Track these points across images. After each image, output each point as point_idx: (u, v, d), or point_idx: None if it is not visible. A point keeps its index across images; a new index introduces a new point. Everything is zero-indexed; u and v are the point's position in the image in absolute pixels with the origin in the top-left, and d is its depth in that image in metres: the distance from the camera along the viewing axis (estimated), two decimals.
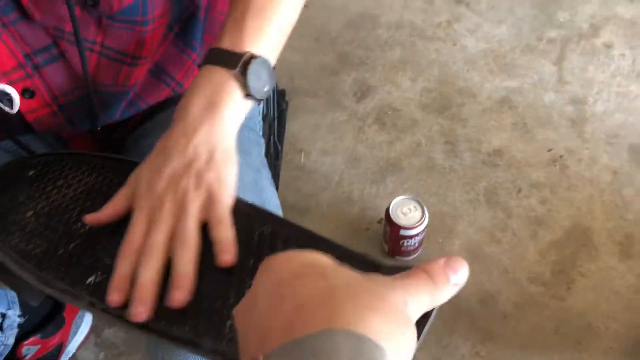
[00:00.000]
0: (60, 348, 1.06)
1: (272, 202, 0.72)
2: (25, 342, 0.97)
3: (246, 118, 0.82)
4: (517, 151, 1.34)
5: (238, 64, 0.54)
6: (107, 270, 0.52)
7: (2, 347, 0.94)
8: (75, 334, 1.10)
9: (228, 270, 0.49)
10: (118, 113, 0.73)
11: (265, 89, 0.56)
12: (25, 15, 0.58)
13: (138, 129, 0.80)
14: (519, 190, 1.28)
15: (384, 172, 1.34)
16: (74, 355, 1.13)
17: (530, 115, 1.39)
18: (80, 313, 1.12)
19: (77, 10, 0.60)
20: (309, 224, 1.24)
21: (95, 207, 0.58)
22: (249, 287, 0.36)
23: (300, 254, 0.32)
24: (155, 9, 0.65)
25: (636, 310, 1.12)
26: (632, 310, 1.12)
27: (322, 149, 1.39)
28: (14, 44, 0.60)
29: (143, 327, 0.47)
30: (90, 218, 0.53)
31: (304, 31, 1.56)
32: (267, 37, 0.57)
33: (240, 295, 0.48)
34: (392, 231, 1.12)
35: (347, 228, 1.24)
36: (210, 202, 0.49)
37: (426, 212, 1.11)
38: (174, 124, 0.53)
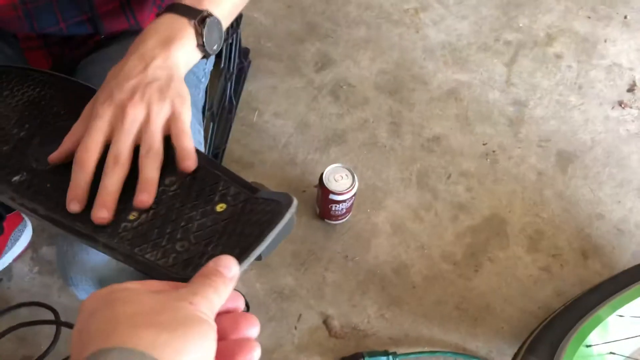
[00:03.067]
0: None
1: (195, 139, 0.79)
2: None
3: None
4: (454, 140, 1.43)
5: (197, 16, 0.60)
6: (32, 172, 0.59)
7: None
8: (13, 245, 1.16)
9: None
10: (75, 21, 0.78)
11: (214, 47, 0.62)
12: None
13: (89, 56, 0.86)
14: (449, 176, 1.38)
15: (329, 141, 1.42)
16: (9, 266, 1.20)
17: (473, 109, 1.48)
18: (20, 227, 1.18)
19: None
20: (250, 178, 1.33)
21: (31, 117, 0.65)
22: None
23: (100, 292, 0.37)
24: None
25: (531, 298, 1.23)
26: (528, 298, 1.23)
27: (275, 111, 1.46)
28: None
29: (49, 219, 0.54)
30: (53, 157, 0.57)
31: None
32: (223, 3, 0.64)
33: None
34: (323, 194, 1.20)
35: (285, 187, 1.32)
36: (173, 116, 0.54)
37: (356, 181, 1.19)
38: (130, 52, 0.58)
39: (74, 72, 0.87)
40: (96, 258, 0.61)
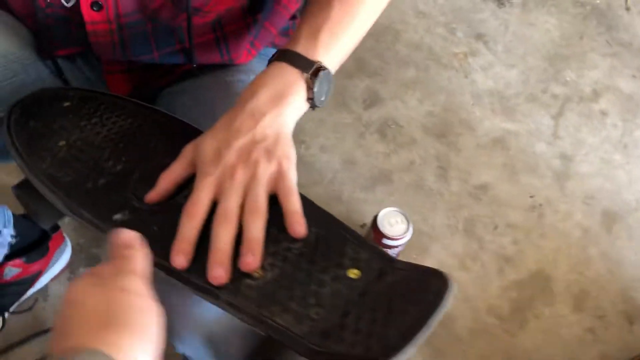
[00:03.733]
0: (37, 276, 1.08)
1: None
2: (9, 263, 0.99)
3: None
4: (501, 190, 1.41)
5: (310, 69, 0.58)
6: (134, 212, 0.56)
7: None
8: (53, 265, 1.12)
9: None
10: (169, 50, 0.76)
11: (323, 98, 0.61)
12: None
13: (174, 85, 0.83)
14: (496, 227, 1.36)
15: (376, 180, 1.39)
16: (46, 285, 1.15)
17: (520, 159, 1.47)
18: (62, 247, 1.14)
19: None
20: None
21: (127, 151, 0.62)
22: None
23: (69, 294, 0.43)
24: None
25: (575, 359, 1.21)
26: (571, 359, 1.21)
27: (322, 144, 1.44)
28: None
29: (164, 268, 0.51)
30: (150, 197, 0.55)
31: None
32: (336, 52, 0.62)
33: None
34: (375, 238, 1.17)
35: None
36: (279, 175, 0.53)
37: (411, 228, 1.17)
38: (241, 104, 0.57)
39: (155, 100, 0.85)
40: (209, 314, 0.57)
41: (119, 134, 0.65)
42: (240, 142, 0.54)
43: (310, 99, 0.59)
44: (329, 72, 0.60)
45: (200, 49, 0.78)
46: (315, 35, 0.61)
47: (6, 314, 1.07)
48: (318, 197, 1.35)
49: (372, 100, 1.53)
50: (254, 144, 0.54)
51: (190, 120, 0.69)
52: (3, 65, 0.74)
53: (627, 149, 1.53)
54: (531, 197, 1.42)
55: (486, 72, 1.62)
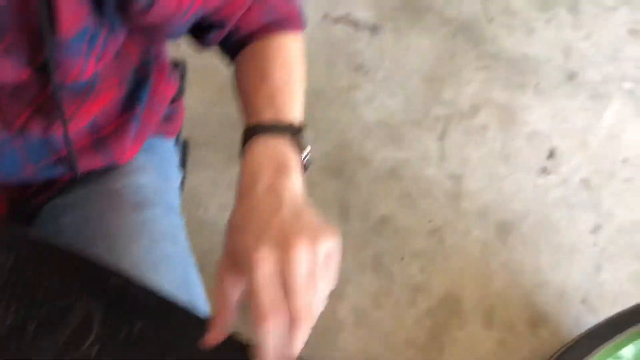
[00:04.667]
0: None
1: (201, 298, 0.75)
2: None
3: (171, 197, 0.85)
4: (401, 220, 1.46)
5: (291, 131, 0.57)
6: None
7: None
8: None
9: None
10: (43, 164, 0.72)
11: (309, 157, 0.59)
12: None
13: (57, 198, 0.78)
14: (402, 258, 1.40)
15: None
16: None
17: (414, 186, 1.53)
18: None
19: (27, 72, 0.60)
20: (204, 280, 1.26)
21: (12, 293, 0.58)
22: None
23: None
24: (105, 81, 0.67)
25: None
26: None
27: (220, 203, 1.42)
28: None
29: None
30: (214, 337, 0.50)
31: (208, 80, 1.59)
32: (296, 107, 0.61)
33: None
34: None
35: None
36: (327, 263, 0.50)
37: None
38: (245, 193, 0.53)
39: (35, 218, 0.80)
40: None
41: (4, 278, 0.61)
42: (279, 220, 0.49)
43: (304, 158, 0.57)
44: (301, 123, 0.59)
45: (79, 155, 0.74)
46: (273, 101, 0.60)
47: None
48: None
49: None
50: (293, 220, 0.50)
51: (82, 240, 0.65)
52: None
53: (509, 160, 1.63)
54: (430, 221, 1.47)
55: (370, 103, 1.66)
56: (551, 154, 1.65)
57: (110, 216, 0.75)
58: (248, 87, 0.64)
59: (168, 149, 0.90)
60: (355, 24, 1.79)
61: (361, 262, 1.38)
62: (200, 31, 0.67)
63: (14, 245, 0.63)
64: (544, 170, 1.62)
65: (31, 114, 0.67)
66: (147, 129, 0.81)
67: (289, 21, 0.68)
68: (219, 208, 1.41)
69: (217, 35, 0.67)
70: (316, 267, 0.48)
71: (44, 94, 0.64)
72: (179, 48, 1.00)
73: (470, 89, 1.75)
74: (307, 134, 1.67)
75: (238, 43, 0.68)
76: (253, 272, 0.46)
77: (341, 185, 1.49)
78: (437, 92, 1.72)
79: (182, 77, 0.94)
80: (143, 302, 0.59)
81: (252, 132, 0.58)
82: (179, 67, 0.92)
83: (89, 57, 0.61)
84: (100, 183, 0.79)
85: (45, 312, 0.57)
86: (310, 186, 1.48)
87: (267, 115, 0.59)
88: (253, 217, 0.50)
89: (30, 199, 0.79)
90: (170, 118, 0.88)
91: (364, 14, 1.82)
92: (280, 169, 0.54)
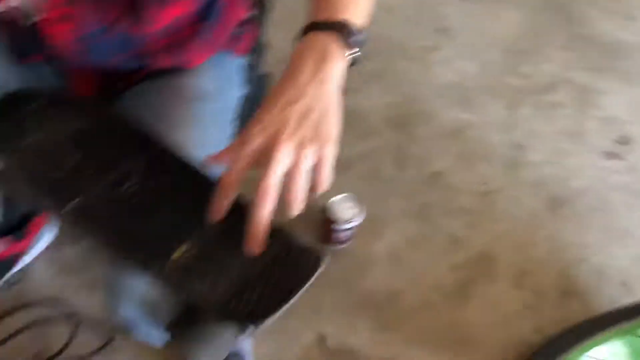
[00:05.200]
0: (19, 255, 1.21)
1: None
2: None
3: (227, 102, 0.98)
4: (455, 177, 1.52)
5: (339, 27, 0.63)
6: (87, 199, 0.67)
7: None
8: (35, 245, 1.24)
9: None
10: (125, 57, 0.87)
11: (359, 52, 0.65)
12: None
13: (137, 85, 0.94)
14: (449, 212, 1.47)
15: (335, 168, 1.50)
16: (30, 264, 1.28)
17: (475, 148, 1.57)
18: (44, 229, 1.26)
19: None
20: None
21: (83, 148, 0.73)
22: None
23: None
24: None
25: (512, 332, 1.32)
26: (509, 331, 1.32)
27: None
28: None
29: (108, 244, 0.63)
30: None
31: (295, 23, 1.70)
32: (353, 11, 0.67)
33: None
34: (326, 222, 1.29)
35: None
36: (318, 164, 0.60)
37: (362, 213, 1.28)
38: (285, 79, 0.62)
39: (119, 101, 0.96)
40: (141, 285, 0.69)
41: (80, 133, 0.77)
42: (287, 112, 0.59)
43: (350, 54, 0.63)
44: (355, 25, 0.65)
45: (154, 54, 0.88)
46: (328, 2, 0.67)
47: None
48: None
49: None
50: (301, 116, 0.59)
51: (144, 120, 0.80)
52: None
53: (577, 138, 1.63)
54: (484, 184, 1.52)
55: (446, 64, 1.72)
56: (623, 140, 1.63)
57: (170, 103, 0.89)
58: None
59: (234, 64, 1.03)
60: None
61: (407, 208, 1.46)
62: None
63: (92, 113, 0.79)
64: (612, 155, 1.60)
65: (120, 14, 0.82)
66: (216, 42, 0.93)
67: None
68: None
69: None
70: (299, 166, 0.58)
71: None
72: None
73: (550, 66, 1.75)
74: (379, 82, 1.76)
75: None
76: (273, 160, 0.57)
77: (402, 135, 1.57)
78: (515, 64, 1.74)
79: (261, 9, 1.07)
80: (175, 165, 0.73)
81: (304, 30, 0.65)
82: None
83: None
84: (168, 79, 0.93)
85: (101, 162, 0.73)
86: (372, 132, 1.58)
87: (321, 15, 0.65)
88: (275, 102, 0.60)
89: (112, 86, 0.96)
90: (239, 38, 1.00)
91: None
92: (319, 62, 0.61)
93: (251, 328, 0.57)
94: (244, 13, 0.96)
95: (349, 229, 1.29)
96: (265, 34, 1.13)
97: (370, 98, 1.63)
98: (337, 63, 0.62)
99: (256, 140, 0.58)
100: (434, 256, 1.40)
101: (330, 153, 0.60)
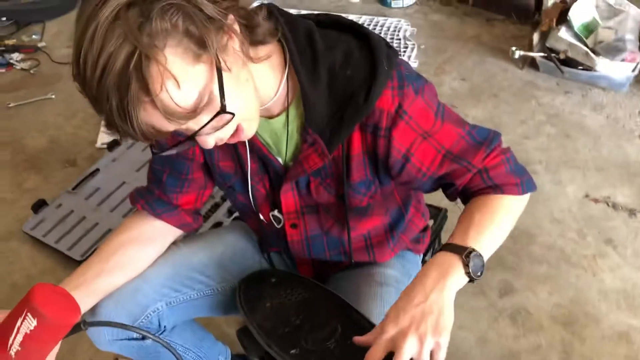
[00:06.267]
0: None
1: None
2: None
3: (406, 285, 1.27)
4: None
5: (464, 252, 0.86)
6: (303, 350, 0.97)
7: None
8: None
9: None
10: (336, 252, 1.19)
11: (479, 273, 0.86)
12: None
13: (340, 272, 1.27)
14: None
15: (505, 358, 1.66)
16: None
17: None
18: None
19: (333, 198, 1.08)
20: None
21: (304, 312, 1.05)
22: None
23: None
24: (376, 209, 1.13)
25: None
26: None
27: (460, 324, 1.75)
28: (297, 200, 1.09)
29: None
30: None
31: None
32: (483, 243, 0.89)
33: None
34: None
35: None
36: (436, 349, 0.83)
37: None
38: (415, 283, 0.86)
39: (326, 281, 1.29)
40: None
41: (302, 301, 1.10)
42: (411, 312, 0.82)
43: (468, 273, 0.85)
44: (479, 254, 0.86)
45: (355, 252, 1.20)
46: (465, 232, 0.90)
47: None
48: None
49: (506, 290, 1.83)
50: (423, 316, 0.81)
51: (346, 295, 1.11)
52: (240, 253, 1.27)
53: None
54: None
55: (614, 272, 1.85)
56: None
57: (362, 286, 1.20)
58: (457, 223, 0.95)
59: (413, 260, 1.33)
60: (614, 206, 2.03)
61: None
62: (443, 187, 1.03)
63: (312, 288, 1.14)
64: None
65: (333, 223, 1.16)
66: (401, 244, 1.25)
67: (506, 187, 0.96)
68: (457, 327, 1.74)
69: (453, 191, 1.00)
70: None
71: (341, 212, 1.11)
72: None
73: None
74: (546, 287, 2.00)
75: (467, 196, 1.00)
76: (401, 349, 0.82)
77: (568, 334, 1.69)
78: None
79: (436, 220, 1.40)
80: (365, 330, 0.98)
81: (441, 248, 0.89)
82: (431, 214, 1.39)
83: (366, 195, 1.06)
84: (365, 269, 1.25)
85: (316, 323, 1.05)
86: (539, 329, 1.74)
87: (455, 240, 0.89)
88: (406, 301, 0.84)
89: (325, 271, 1.30)
90: (418, 241, 1.32)
91: (624, 199, 2.04)
92: (442, 275, 0.85)
93: None
94: (423, 224, 1.29)
95: None
96: (439, 238, 1.44)
97: (538, 298, 1.80)
98: (455, 279, 0.85)
99: (390, 332, 0.84)
100: None
101: (444, 342, 0.83)
